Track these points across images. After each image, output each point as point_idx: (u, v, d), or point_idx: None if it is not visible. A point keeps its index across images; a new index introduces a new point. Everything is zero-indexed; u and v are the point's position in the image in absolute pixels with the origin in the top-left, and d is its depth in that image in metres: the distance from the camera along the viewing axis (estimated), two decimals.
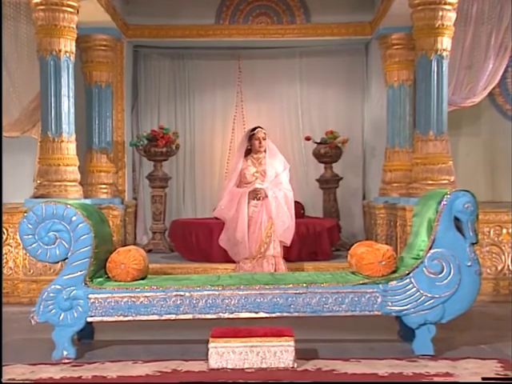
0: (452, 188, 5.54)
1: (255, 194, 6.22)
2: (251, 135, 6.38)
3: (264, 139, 6.34)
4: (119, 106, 8.90)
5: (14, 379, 3.82)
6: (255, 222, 6.21)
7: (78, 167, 6.88)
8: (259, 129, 6.38)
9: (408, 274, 4.46)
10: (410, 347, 4.47)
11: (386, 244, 6.25)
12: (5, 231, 6.55)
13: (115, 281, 4.59)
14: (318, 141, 8.86)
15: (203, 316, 4.44)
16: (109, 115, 8.50)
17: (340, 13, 8.93)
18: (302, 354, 4.25)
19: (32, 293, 6.39)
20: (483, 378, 3.58)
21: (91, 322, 4.60)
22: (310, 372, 4.06)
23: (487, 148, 8.66)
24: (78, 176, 6.82)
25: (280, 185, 6.27)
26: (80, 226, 4.46)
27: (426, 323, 4.41)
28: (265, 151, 6.35)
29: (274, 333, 4.21)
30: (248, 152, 6.40)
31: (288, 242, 6.32)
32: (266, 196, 6.19)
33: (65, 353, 4.38)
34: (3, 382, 3.59)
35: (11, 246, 6.55)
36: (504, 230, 6.69)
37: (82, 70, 8.30)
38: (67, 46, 6.64)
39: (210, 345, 4.14)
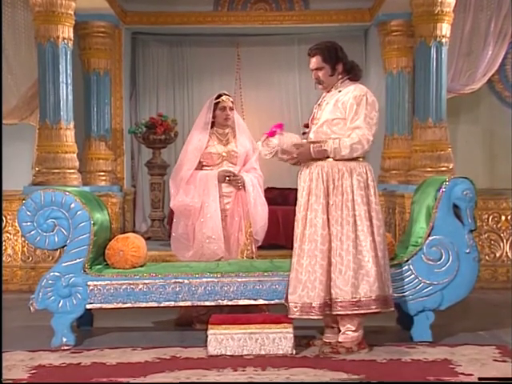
0: (451, 175, 5.53)
1: (226, 174, 4.95)
2: (215, 104, 5.07)
3: (232, 109, 5.10)
4: (117, 93, 8.84)
5: (14, 379, 3.80)
6: (231, 218, 5.00)
7: (77, 154, 6.87)
8: (225, 96, 5.13)
9: (407, 260, 4.47)
10: (408, 334, 4.48)
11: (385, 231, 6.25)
12: (3, 218, 6.55)
13: (114, 268, 4.60)
14: None
15: (202, 303, 4.45)
16: (107, 102, 8.47)
17: None
18: (300, 341, 4.27)
19: (31, 280, 6.39)
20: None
21: (90, 309, 4.61)
22: (308, 359, 4.07)
23: (486, 135, 8.62)
24: (77, 163, 6.81)
25: (254, 170, 5.12)
26: (79, 213, 4.46)
27: (425, 310, 4.42)
28: (231, 126, 5.16)
29: (272, 320, 4.23)
30: (210, 126, 5.13)
31: (261, 241, 5.16)
32: (243, 185, 4.99)
33: (64, 340, 4.39)
34: (3, 382, 3.58)
35: (10, 233, 6.56)
36: (503, 217, 6.71)
37: (80, 57, 8.27)
38: (65, 32, 6.61)
39: (209, 332, 4.15)
